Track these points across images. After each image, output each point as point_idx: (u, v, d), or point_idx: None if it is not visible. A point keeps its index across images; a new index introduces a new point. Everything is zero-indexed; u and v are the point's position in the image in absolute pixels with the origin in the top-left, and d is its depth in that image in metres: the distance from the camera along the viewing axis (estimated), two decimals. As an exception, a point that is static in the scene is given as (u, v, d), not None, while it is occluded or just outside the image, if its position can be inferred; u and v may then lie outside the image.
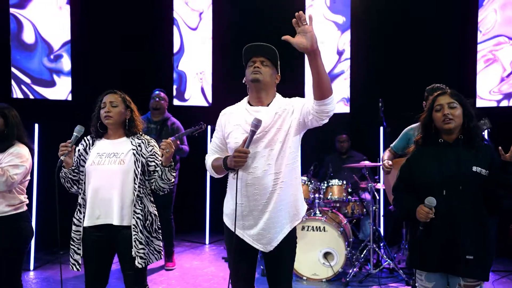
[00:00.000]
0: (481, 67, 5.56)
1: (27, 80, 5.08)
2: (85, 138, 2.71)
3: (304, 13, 6.66)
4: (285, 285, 2.38)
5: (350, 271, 4.35)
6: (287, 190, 2.31)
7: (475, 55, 5.59)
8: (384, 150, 5.43)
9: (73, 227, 2.63)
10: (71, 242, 2.63)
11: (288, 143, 2.29)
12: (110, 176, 2.56)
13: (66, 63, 5.33)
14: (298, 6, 6.32)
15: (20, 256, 2.93)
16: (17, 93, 5.02)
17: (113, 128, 2.67)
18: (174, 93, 6.33)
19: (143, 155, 2.63)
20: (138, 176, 2.58)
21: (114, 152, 2.61)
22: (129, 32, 5.76)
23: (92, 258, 2.61)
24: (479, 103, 5.55)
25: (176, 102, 6.32)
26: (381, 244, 4.63)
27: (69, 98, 5.38)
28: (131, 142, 2.65)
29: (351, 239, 4.61)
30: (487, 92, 5.50)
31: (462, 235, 2.17)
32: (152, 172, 2.64)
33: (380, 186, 5.01)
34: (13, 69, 4.98)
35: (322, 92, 2.11)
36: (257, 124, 2.21)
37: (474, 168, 2.17)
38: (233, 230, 2.32)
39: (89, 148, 2.66)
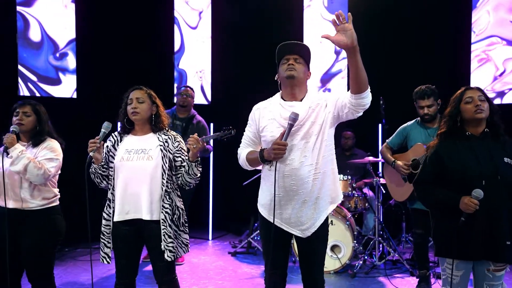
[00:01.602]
0: (475, 66, 5.79)
1: (33, 78, 5.10)
2: (112, 134, 2.76)
3: (302, 13, 6.78)
4: (318, 269, 2.50)
5: (356, 263, 4.50)
6: (324, 180, 2.42)
7: (469, 55, 5.82)
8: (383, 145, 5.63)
9: (103, 222, 2.67)
10: (101, 236, 2.68)
11: (324, 136, 2.41)
12: (139, 172, 2.60)
13: (71, 61, 5.36)
14: (296, 6, 6.53)
15: (54, 249, 2.97)
16: (23, 91, 5.03)
17: (140, 124, 2.71)
18: (175, 91, 6.39)
19: (170, 150, 2.67)
20: (166, 171, 2.62)
21: (142, 148, 2.65)
22: (132, 30, 5.81)
23: (122, 251, 2.65)
24: (473, 101, 5.77)
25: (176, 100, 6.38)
26: (385, 237, 4.80)
27: (74, 96, 5.41)
28: (158, 138, 2.69)
29: (355, 233, 4.76)
30: (481, 90, 5.72)
31: (501, 222, 2.30)
32: (178, 168, 2.69)
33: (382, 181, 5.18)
34: (19, 67, 5.00)
35: (360, 86, 2.24)
36: (294, 118, 2.33)
37: (506, 159, 2.32)
38: (271, 220, 2.43)
39: (117, 144, 2.70)
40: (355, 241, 4.55)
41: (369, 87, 2.29)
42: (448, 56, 5.90)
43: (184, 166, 2.67)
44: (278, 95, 2.59)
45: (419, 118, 3.95)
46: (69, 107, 5.37)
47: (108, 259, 2.67)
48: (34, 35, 5.09)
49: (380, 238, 4.65)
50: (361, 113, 2.37)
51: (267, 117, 2.52)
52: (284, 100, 2.51)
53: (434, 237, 2.48)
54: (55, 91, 5.27)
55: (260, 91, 6.95)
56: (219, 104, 6.68)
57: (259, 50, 6.63)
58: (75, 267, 4.66)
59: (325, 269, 4.42)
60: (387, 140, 4.13)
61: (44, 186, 2.90)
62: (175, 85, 6.40)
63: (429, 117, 3.83)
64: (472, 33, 5.81)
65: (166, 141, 2.69)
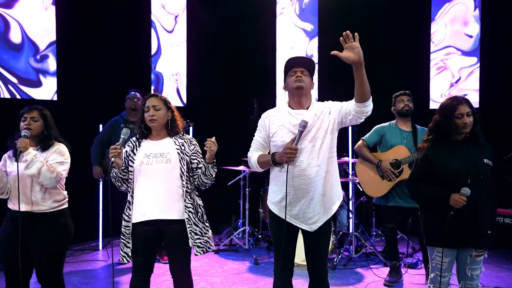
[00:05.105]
0: (434, 73, 6.33)
1: (14, 80, 5.06)
2: (131, 140, 2.90)
3: (275, 19, 7.12)
4: (323, 260, 2.78)
5: (334, 257, 4.85)
6: (328, 179, 2.71)
7: (428, 63, 6.35)
8: (353, 147, 6.03)
9: (123, 223, 2.81)
10: (121, 237, 2.81)
11: (328, 139, 2.69)
12: (159, 175, 2.76)
13: (52, 64, 5.35)
14: (269, 12, 6.82)
15: (64, 251, 3.06)
16: (3, 93, 4.98)
17: (157, 129, 2.87)
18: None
19: (186, 153, 2.83)
20: (185, 173, 2.79)
21: (161, 152, 2.81)
22: (111, 33, 5.87)
23: (139, 250, 2.79)
24: (432, 106, 6.31)
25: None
26: (360, 231, 5.18)
27: (55, 98, 5.41)
28: (175, 142, 2.85)
29: (333, 228, 5.11)
30: (439, 95, 6.27)
31: (483, 214, 2.66)
32: (195, 169, 2.85)
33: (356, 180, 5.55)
34: (0, 69, 4.94)
35: (364, 96, 2.54)
36: (304, 125, 2.60)
37: (485, 161, 2.69)
38: (281, 217, 2.70)
39: (136, 149, 2.84)
40: (334, 236, 4.89)
41: (371, 97, 2.59)
42: (410, 64, 6.40)
43: (200, 168, 2.83)
44: (285, 103, 2.84)
45: (394, 121, 4.35)
46: (49, 109, 5.31)
47: (128, 258, 2.79)
48: (15, 37, 5.05)
49: (356, 233, 5.03)
50: (363, 119, 2.67)
51: (276, 124, 2.76)
52: (292, 109, 2.77)
53: (424, 229, 2.82)
54: (36, 93, 5.24)
55: (234, 93, 7.23)
56: (194, 106, 6.85)
57: (233, 54, 6.89)
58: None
59: (305, 263, 4.78)
60: (363, 138, 4.41)
61: (54, 189, 3.00)
62: (152, 87, 6.51)
63: (409, 109, 4.26)
64: (431, 43, 6.34)
65: (183, 145, 2.85)
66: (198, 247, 2.78)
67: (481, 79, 6.04)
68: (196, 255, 2.80)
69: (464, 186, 2.58)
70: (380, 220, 5.77)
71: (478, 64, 6.05)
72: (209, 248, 2.86)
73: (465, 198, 2.58)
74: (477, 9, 6.07)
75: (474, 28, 6.07)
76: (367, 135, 4.41)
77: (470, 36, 6.11)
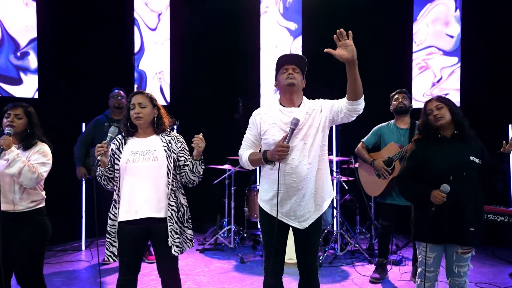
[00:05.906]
0: (416, 73, 6.41)
1: (-6, 77, 4.93)
2: (116, 137, 2.83)
3: (259, 19, 7.11)
4: (313, 257, 2.80)
5: (320, 254, 4.87)
6: (319, 177, 2.71)
7: (410, 63, 6.43)
8: (337, 146, 6.07)
9: (109, 222, 2.76)
10: (107, 236, 2.76)
11: (319, 137, 2.69)
12: (146, 172, 2.72)
13: (33, 61, 5.23)
14: (253, 11, 6.80)
15: (43, 250, 3.00)
16: (-17, 91, 4.85)
17: (144, 127, 2.83)
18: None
19: (173, 151, 2.80)
20: (171, 171, 2.76)
21: (147, 149, 2.76)
22: (93, 31, 5.77)
23: (127, 249, 2.74)
24: (415, 105, 6.36)
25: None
26: (345, 229, 5.22)
27: (36, 96, 5.29)
28: (162, 139, 2.81)
29: (318, 226, 5.14)
30: (421, 95, 6.36)
31: (466, 211, 2.70)
32: (182, 167, 2.82)
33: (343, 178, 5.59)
34: (-21, 66, 4.81)
35: (356, 94, 2.55)
36: (296, 123, 2.60)
37: (471, 158, 2.73)
38: (273, 214, 2.70)
39: (122, 147, 2.80)
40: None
41: (363, 95, 2.61)
42: (393, 63, 6.47)
43: (187, 165, 2.80)
44: (276, 101, 2.83)
45: (392, 121, 4.40)
46: (30, 107, 5.23)
47: (113, 257, 2.75)
48: (-6, 33, 4.93)
49: (341, 231, 5.06)
50: (354, 118, 2.68)
51: (268, 122, 2.75)
52: (284, 106, 2.76)
53: (412, 224, 2.86)
54: (16, 91, 5.11)
55: (218, 91, 7.18)
56: (177, 104, 6.79)
57: (216, 52, 6.85)
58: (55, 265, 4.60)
59: (292, 261, 4.78)
60: (362, 140, 4.48)
61: (33, 189, 2.93)
62: (135, 86, 6.43)
63: (403, 106, 4.30)
64: (413, 43, 6.42)
65: (170, 142, 2.82)
66: (177, 246, 2.74)
67: (462, 79, 6.14)
68: (173, 255, 2.74)
69: (445, 183, 2.62)
70: (365, 218, 5.85)
71: (459, 64, 6.15)
72: (184, 248, 2.82)
73: (444, 195, 2.62)
74: (458, 10, 6.17)
75: (455, 29, 6.17)
76: (366, 137, 4.48)
77: (451, 36, 6.21)
